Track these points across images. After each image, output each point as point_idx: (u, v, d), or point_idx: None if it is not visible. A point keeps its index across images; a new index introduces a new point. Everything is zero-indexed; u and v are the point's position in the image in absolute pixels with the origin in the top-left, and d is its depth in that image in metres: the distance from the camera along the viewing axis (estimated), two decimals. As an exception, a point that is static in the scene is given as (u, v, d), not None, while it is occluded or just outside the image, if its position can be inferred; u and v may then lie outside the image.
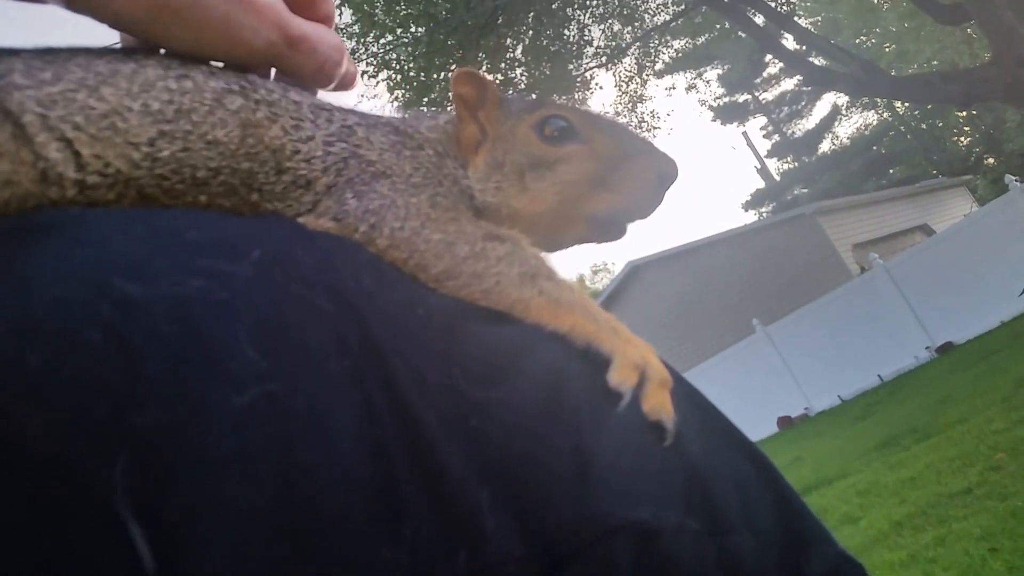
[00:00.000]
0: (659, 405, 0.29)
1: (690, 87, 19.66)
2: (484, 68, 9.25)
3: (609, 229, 0.38)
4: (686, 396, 0.32)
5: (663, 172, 0.37)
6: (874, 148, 23.86)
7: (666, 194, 0.38)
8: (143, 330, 0.22)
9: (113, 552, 0.19)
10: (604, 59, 10.93)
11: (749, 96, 25.28)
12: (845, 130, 27.52)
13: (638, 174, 0.37)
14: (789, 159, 26.77)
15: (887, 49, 20.09)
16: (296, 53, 0.33)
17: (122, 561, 0.19)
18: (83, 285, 0.22)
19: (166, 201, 0.29)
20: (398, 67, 8.76)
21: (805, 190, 24.78)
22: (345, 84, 0.36)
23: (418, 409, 0.25)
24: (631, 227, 0.39)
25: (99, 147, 0.27)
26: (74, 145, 0.27)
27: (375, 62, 8.62)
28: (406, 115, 0.37)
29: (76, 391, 0.20)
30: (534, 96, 0.41)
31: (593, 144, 0.37)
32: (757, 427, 9.72)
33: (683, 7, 10.87)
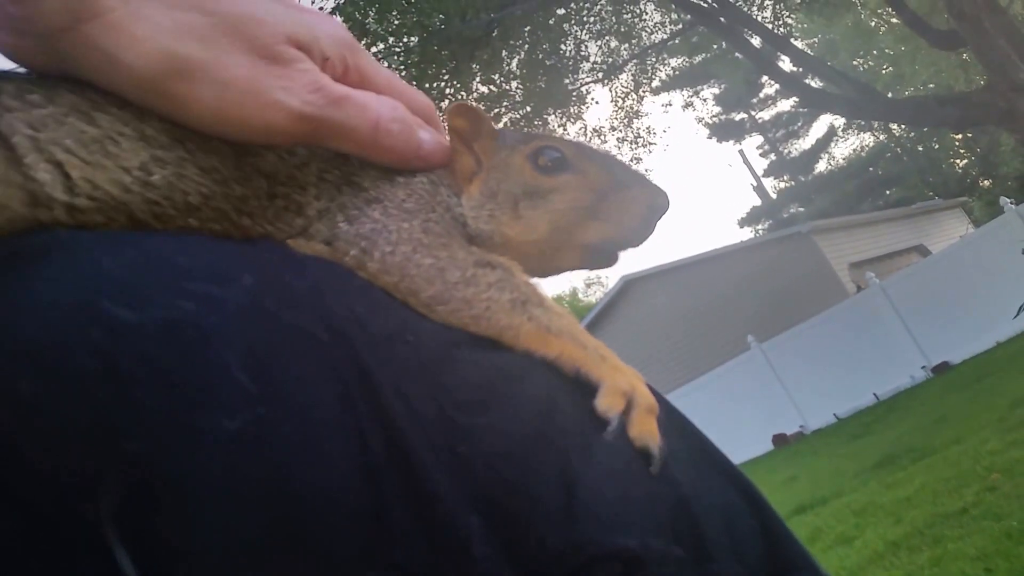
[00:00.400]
0: (646, 432, 0.30)
1: (687, 105, 19.92)
2: (478, 80, 9.36)
3: (601, 257, 0.39)
4: (672, 423, 0.32)
5: (654, 203, 0.37)
6: (870, 169, 24.14)
7: (657, 224, 0.38)
8: (133, 355, 0.22)
9: (109, 573, 0.19)
10: (600, 75, 11.06)
11: (745, 115, 25.59)
12: (841, 151, 27.92)
13: (630, 205, 0.37)
14: (785, 178, 27.04)
15: (884, 71, 20.41)
16: (340, 111, 0.30)
17: None
18: (74, 310, 0.22)
19: (156, 225, 0.29)
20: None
21: (801, 209, 24.98)
22: (428, 158, 0.34)
23: (409, 436, 0.25)
24: (623, 253, 0.39)
25: (90, 171, 0.27)
26: (64, 167, 0.27)
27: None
28: None
29: (67, 417, 0.20)
30: (528, 109, 0.40)
31: (586, 175, 0.37)
32: (752, 445, 9.65)
33: (680, 27, 11.05)
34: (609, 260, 0.39)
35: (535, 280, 0.34)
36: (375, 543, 0.22)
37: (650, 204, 0.37)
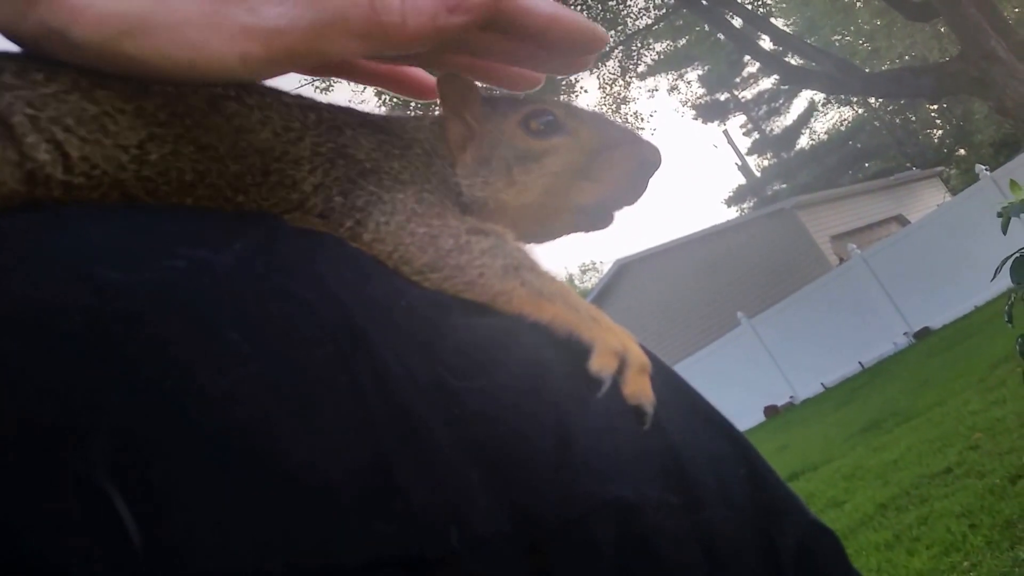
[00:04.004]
0: (639, 390, 0.30)
1: (672, 88, 19.90)
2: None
3: (596, 218, 0.38)
4: (664, 378, 0.33)
5: (646, 159, 0.37)
6: (850, 143, 24.44)
7: (650, 181, 0.38)
8: (124, 313, 0.22)
9: (98, 528, 0.19)
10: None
11: (729, 95, 25.68)
12: (822, 125, 28.13)
13: (621, 162, 0.37)
14: (769, 155, 27.29)
15: (862, 46, 20.54)
16: (316, 8, 0.26)
17: (107, 536, 0.19)
18: (64, 274, 0.22)
19: (150, 202, 0.29)
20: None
21: (784, 185, 25.29)
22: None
23: (407, 394, 0.25)
24: (619, 221, 0.39)
25: (88, 149, 0.27)
26: (63, 147, 0.26)
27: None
28: (392, 115, 0.38)
29: (54, 374, 0.20)
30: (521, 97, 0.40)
31: (577, 135, 0.37)
32: (745, 417, 9.89)
33: (664, 11, 11.05)
34: (604, 221, 0.38)
35: (531, 247, 0.34)
36: (374, 492, 0.22)
37: (641, 160, 0.37)
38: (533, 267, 0.33)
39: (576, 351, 0.30)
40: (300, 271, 0.27)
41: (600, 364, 0.30)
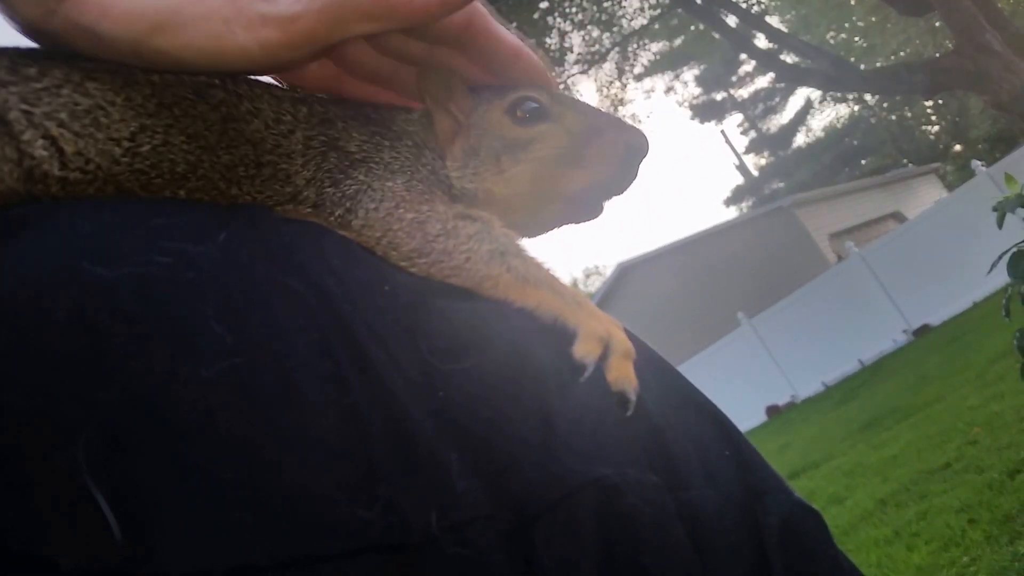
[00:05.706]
0: (622, 376, 0.30)
1: (668, 89, 19.99)
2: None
3: (585, 207, 0.38)
4: (648, 363, 0.33)
5: (633, 145, 0.37)
6: (846, 140, 24.49)
7: (639, 169, 0.37)
8: (110, 309, 0.22)
9: (78, 524, 0.19)
10: (585, 66, 11.11)
11: (725, 94, 25.76)
12: (818, 123, 28.25)
13: (608, 149, 0.37)
14: (766, 154, 27.37)
15: (856, 42, 20.60)
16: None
17: (88, 533, 0.19)
18: (52, 270, 0.23)
19: (144, 195, 0.29)
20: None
21: (782, 184, 25.35)
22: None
23: (389, 380, 0.25)
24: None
25: (82, 143, 0.27)
26: (58, 142, 0.27)
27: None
28: (382, 106, 0.38)
29: (40, 368, 0.21)
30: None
31: (563, 122, 0.37)
32: (747, 418, 9.88)
33: (659, 11, 11.11)
34: (594, 211, 0.38)
35: (525, 240, 0.34)
36: (356, 480, 0.23)
37: (628, 146, 0.37)
38: (519, 252, 0.33)
39: (560, 337, 0.30)
40: (284, 260, 0.27)
41: (584, 350, 0.30)
